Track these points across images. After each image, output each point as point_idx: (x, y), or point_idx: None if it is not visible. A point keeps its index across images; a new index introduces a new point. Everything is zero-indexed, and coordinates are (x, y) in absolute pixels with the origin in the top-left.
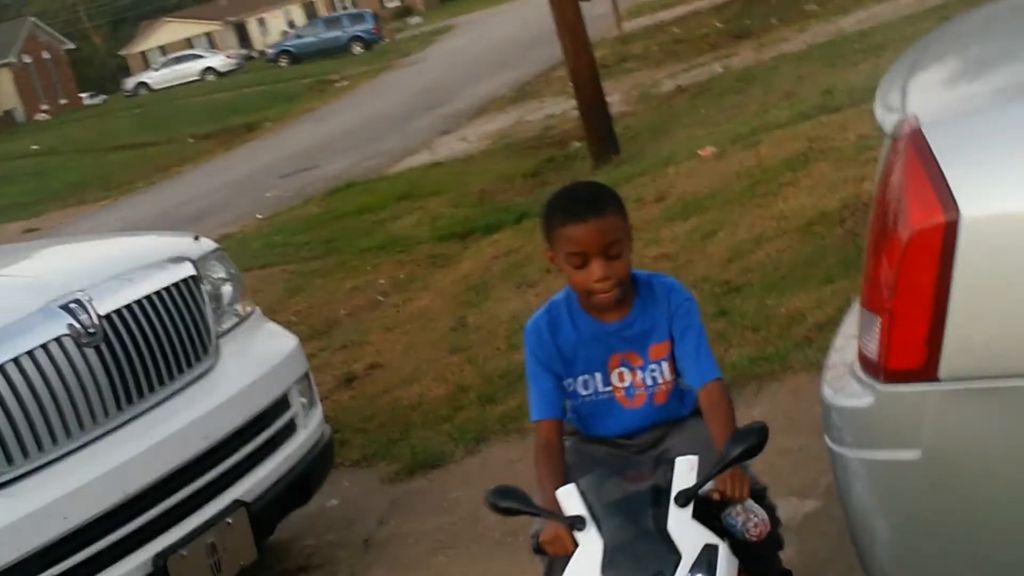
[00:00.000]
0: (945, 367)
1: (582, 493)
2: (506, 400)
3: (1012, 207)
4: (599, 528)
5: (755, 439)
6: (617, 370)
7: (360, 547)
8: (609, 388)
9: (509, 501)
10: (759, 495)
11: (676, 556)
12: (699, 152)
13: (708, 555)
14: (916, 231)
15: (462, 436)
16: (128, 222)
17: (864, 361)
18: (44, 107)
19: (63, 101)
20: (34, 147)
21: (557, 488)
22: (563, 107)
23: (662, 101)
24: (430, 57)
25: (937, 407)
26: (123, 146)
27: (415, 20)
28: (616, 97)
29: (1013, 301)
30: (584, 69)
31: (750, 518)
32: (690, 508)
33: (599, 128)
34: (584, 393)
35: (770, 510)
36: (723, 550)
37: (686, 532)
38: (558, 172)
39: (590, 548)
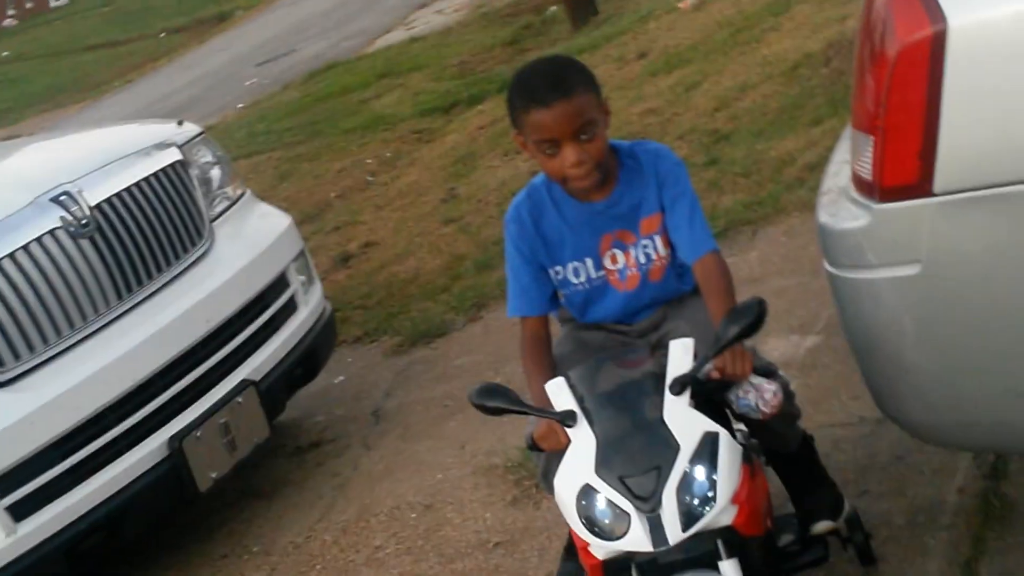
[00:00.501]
0: (940, 180)
1: (572, 386)
2: (502, 266)
3: (998, 12)
4: (591, 422)
5: (752, 316)
6: (609, 252)
7: (370, 419)
8: (602, 273)
9: (495, 400)
10: (768, 373)
11: (673, 448)
12: (679, 5)
13: (708, 444)
14: (904, 45)
15: (461, 304)
16: (109, 121)
17: (859, 182)
18: (11, 12)
19: (29, 5)
20: (5, 54)
21: (545, 373)
22: None
23: None
24: None
25: (934, 221)
26: (95, 46)
27: None
28: None
29: (1004, 108)
30: None
31: (762, 394)
32: (687, 395)
33: None
34: (576, 281)
35: (783, 387)
36: (724, 437)
37: (683, 421)
38: (536, 38)
39: (582, 444)
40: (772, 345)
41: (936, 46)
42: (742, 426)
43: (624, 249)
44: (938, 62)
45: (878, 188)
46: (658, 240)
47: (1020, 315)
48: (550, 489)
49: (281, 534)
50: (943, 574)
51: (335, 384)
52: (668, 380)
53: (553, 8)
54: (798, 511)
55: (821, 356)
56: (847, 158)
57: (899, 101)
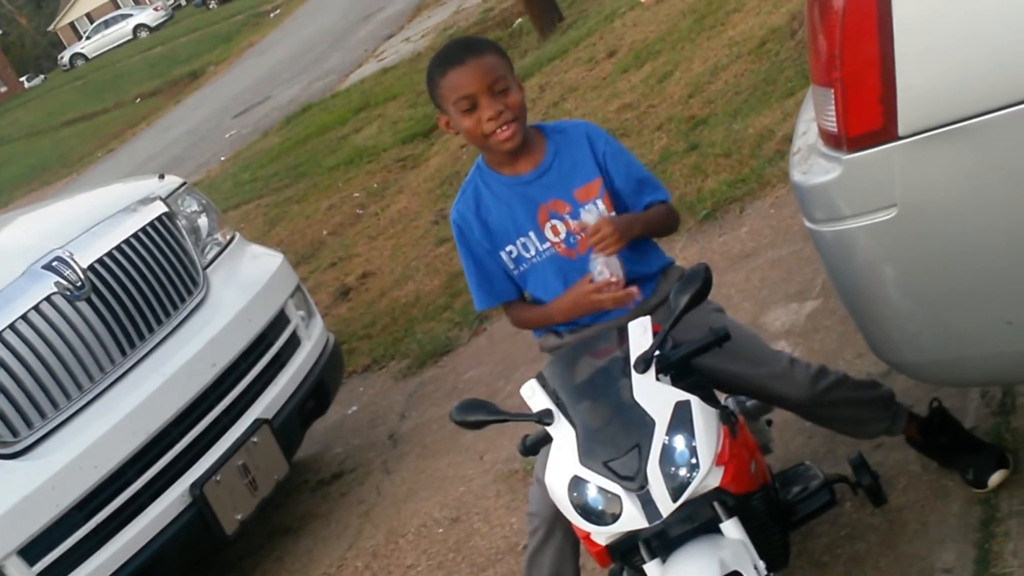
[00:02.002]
0: (904, 123)
1: (543, 385)
2: None
3: None
4: (567, 416)
5: (700, 282)
6: (549, 224)
7: (387, 443)
8: (547, 245)
9: (475, 414)
10: (722, 337)
11: (649, 424)
12: (640, 0)
13: (681, 413)
14: None
15: (464, 320)
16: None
17: (826, 136)
18: None
19: (3, 89)
20: None
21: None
22: None
23: None
24: None
25: (904, 163)
26: (73, 120)
27: None
28: None
29: (955, 43)
30: None
31: (603, 271)
32: (652, 371)
33: None
34: (529, 255)
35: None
36: (695, 403)
37: (653, 396)
38: (507, 51)
39: (563, 438)
40: (773, 315)
41: None
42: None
43: (562, 219)
44: (885, 8)
45: (845, 139)
46: (600, 203)
47: (997, 244)
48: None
49: (313, 567)
50: (963, 514)
51: (349, 414)
52: (632, 360)
53: (519, 20)
54: (964, 476)
55: (822, 319)
56: (813, 116)
57: (852, 51)
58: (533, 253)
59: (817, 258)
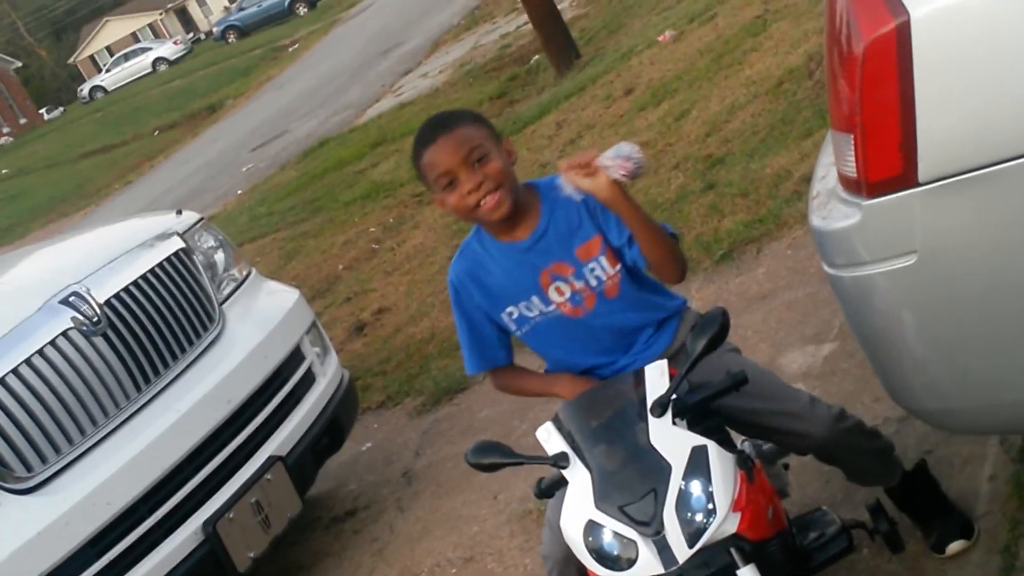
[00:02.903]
0: (924, 169)
1: (559, 428)
2: None
3: None
4: (583, 460)
5: (717, 327)
6: (552, 286)
7: (401, 481)
8: (552, 307)
9: (490, 456)
10: (740, 381)
11: (665, 468)
12: (658, 39)
13: (698, 458)
14: (869, 42)
15: None
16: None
17: (845, 181)
18: (6, 130)
19: (23, 121)
20: (4, 171)
21: (532, 375)
22: (516, 24)
23: None
24: (376, 2)
25: (924, 209)
26: (92, 152)
27: None
28: (566, 3)
29: (975, 91)
30: None
31: (617, 158)
32: (669, 415)
33: (556, 36)
34: (532, 315)
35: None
36: (712, 448)
37: (670, 441)
38: (524, 88)
39: (579, 482)
40: (790, 357)
41: (901, 39)
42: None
43: (566, 281)
44: (905, 54)
45: (865, 184)
46: (603, 260)
47: (1017, 291)
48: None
49: None
50: (983, 563)
51: (363, 451)
52: (648, 404)
53: (536, 57)
54: (927, 538)
55: (839, 362)
56: (832, 161)
57: (872, 97)
58: (537, 314)
59: (834, 300)
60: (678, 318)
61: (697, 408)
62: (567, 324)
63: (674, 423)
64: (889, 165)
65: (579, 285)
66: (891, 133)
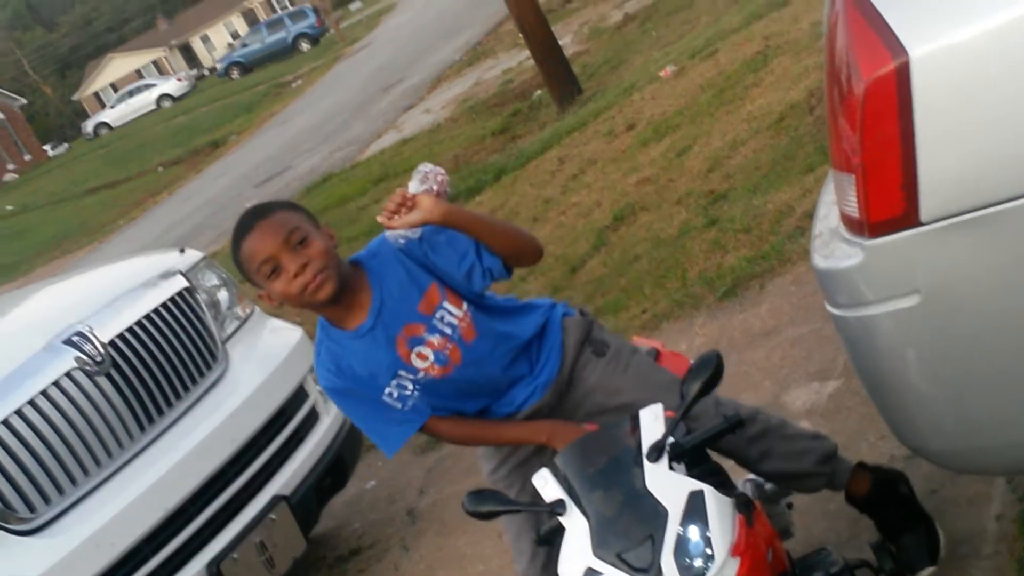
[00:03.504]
0: (926, 209)
1: (556, 475)
2: None
3: (958, 37)
4: (580, 506)
5: (711, 370)
6: (413, 353)
7: (406, 519)
8: (421, 373)
9: (487, 504)
10: (736, 424)
11: (662, 514)
12: (660, 74)
13: (695, 503)
14: (870, 81)
15: None
16: (116, 260)
17: (847, 221)
18: (10, 167)
19: (28, 157)
20: (9, 208)
21: (497, 423)
22: (518, 59)
23: (613, 33)
24: (378, 38)
25: (927, 250)
26: (96, 188)
27: (356, 5)
28: (568, 38)
29: (977, 130)
30: (530, 16)
31: (427, 179)
32: (664, 460)
33: (557, 72)
34: (409, 391)
35: (743, 426)
36: (709, 493)
37: (666, 486)
38: (526, 123)
39: (576, 530)
40: (794, 395)
41: (901, 79)
42: (754, 476)
43: (423, 341)
44: (905, 94)
45: (866, 224)
46: (448, 304)
47: (1022, 331)
48: None
49: None
50: None
51: (367, 489)
52: (644, 448)
53: (538, 92)
54: (897, 554)
55: (844, 400)
56: (834, 200)
57: (873, 137)
58: (412, 388)
59: (839, 337)
60: (554, 330)
61: (694, 451)
62: (442, 383)
63: (671, 467)
64: (891, 205)
65: (436, 340)
66: (892, 173)
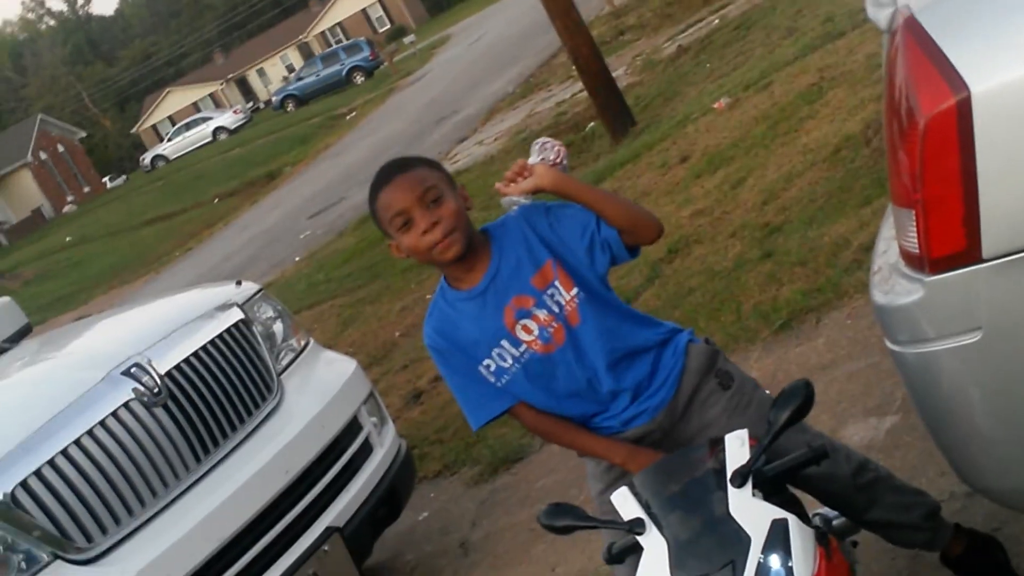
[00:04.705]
0: (988, 245)
1: (636, 494)
2: None
3: (1019, 72)
4: (659, 527)
5: (800, 398)
6: (519, 325)
7: (458, 551)
8: (523, 347)
9: (564, 519)
10: (820, 454)
11: (744, 540)
12: (713, 106)
13: (778, 532)
14: (930, 117)
15: None
16: (172, 290)
17: (907, 256)
18: (70, 198)
19: (87, 189)
20: (68, 239)
21: (582, 429)
22: (571, 91)
23: (667, 65)
24: (432, 71)
25: (989, 285)
26: (153, 220)
27: (409, 39)
28: (621, 70)
29: None
30: (583, 48)
31: (544, 149)
32: (749, 486)
33: (611, 103)
34: (507, 364)
35: (840, 455)
36: (793, 522)
37: (750, 512)
38: (579, 155)
39: (655, 550)
40: (852, 430)
41: (962, 114)
42: (823, 509)
43: (530, 315)
44: (967, 129)
45: (927, 260)
46: (559, 285)
47: None
48: None
49: None
50: None
51: (420, 521)
52: (728, 473)
53: (592, 124)
54: None
55: (902, 436)
56: (893, 235)
57: (934, 172)
58: (511, 362)
59: (896, 372)
60: (676, 352)
61: (776, 480)
62: (542, 364)
63: (752, 494)
64: (952, 241)
65: (543, 316)
66: (954, 209)
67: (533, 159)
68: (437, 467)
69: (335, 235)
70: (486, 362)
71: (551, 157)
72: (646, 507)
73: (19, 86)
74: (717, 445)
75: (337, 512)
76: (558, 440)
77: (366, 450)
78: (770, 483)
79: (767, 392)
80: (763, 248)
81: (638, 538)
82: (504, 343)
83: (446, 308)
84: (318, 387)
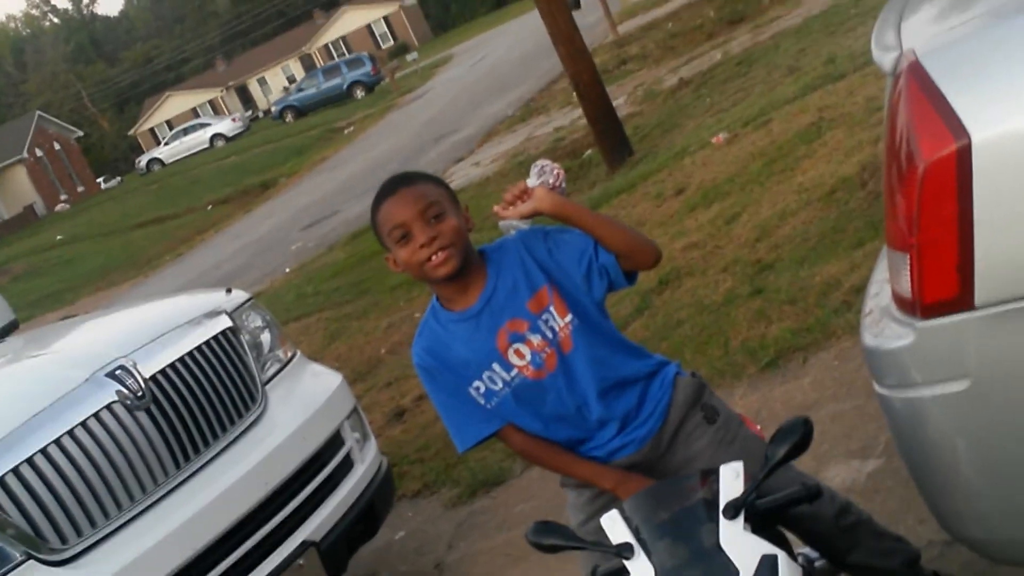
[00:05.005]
0: (981, 293)
1: (626, 518)
2: None
3: (1021, 123)
4: (648, 553)
5: (799, 435)
6: (511, 349)
7: (433, 573)
8: (514, 371)
9: (551, 537)
10: (814, 493)
11: (733, 573)
12: (712, 140)
13: (767, 567)
14: (930, 162)
15: None
16: (161, 295)
17: (899, 300)
18: (63, 197)
19: (80, 188)
20: (59, 237)
21: (572, 453)
22: (570, 117)
23: (667, 96)
24: (432, 90)
25: (979, 334)
26: (145, 223)
27: (412, 56)
28: (621, 99)
29: None
30: (585, 75)
31: (543, 172)
32: (741, 519)
33: (609, 132)
34: (497, 388)
35: (825, 498)
36: (782, 559)
37: (740, 546)
38: (575, 181)
39: None
40: (833, 471)
41: (962, 161)
42: (806, 549)
43: (523, 339)
44: (965, 176)
45: (919, 305)
46: (553, 310)
47: None
48: None
49: None
50: None
51: (397, 539)
52: (721, 505)
53: (589, 151)
54: None
55: (883, 480)
56: (886, 278)
57: (931, 218)
58: (501, 385)
59: (881, 416)
60: (663, 385)
61: (767, 515)
62: (533, 390)
63: (743, 528)
64: (945, 287)
65: (537, 341)
66: (948, 255)
67: (532, 181)
68: (416, 486)
69: (326, 248)
70: (476, 384)
71: (550, 180)
72: (635, 532)
73: (19, 82)
74: (710, 475)
75: (315, 527)
76: (546, 464)
77: (347, 465)
78: (761, 518)
79: (752, 431)
80: (754, 284)
81: (625, 563)
82: (495, 366)
83: (437, 328)
84: (302, 399)
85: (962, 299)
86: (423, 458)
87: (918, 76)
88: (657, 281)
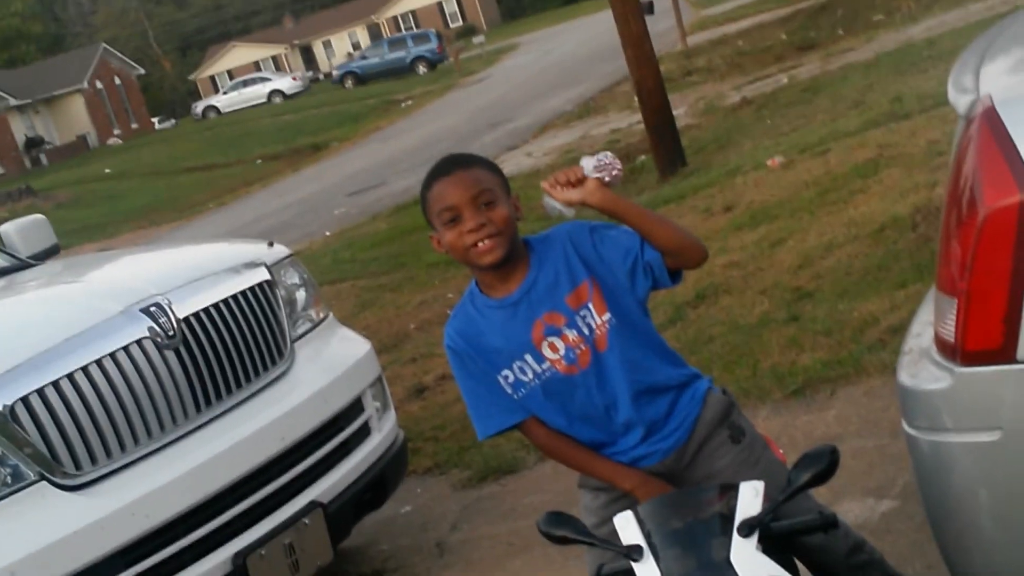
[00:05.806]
0: None
1: (640, 521)
2: None
3: None
4: (657, 559)
5: (825, 463)
6: (545, 342)
7: (434, 551)
8: (546, 364)
9: (563, 529)
10: (830, 523)
11: None
12: (767, 162)
13: None
14: (991, 211)
15: None
16: (201, 240)
17: (941, 344)
18: (116, 132)
19: (134, 126)
20: (107, 171)
21: (593, 451)
22: (628, 121)
23: (728, 113)
24: (495, 75)
25: (1017, 388)
26: (193, 168)
27: (478, 39)
28: (681, 110)
29: None
30: (649, 81)
31: (602, 165)
32: (755, 538)
33: (665, 140)
34: (526, 378)
35: (840, 531)
36: None
37: (750, 564)
38: (625, 185)
39: None
40: (847, 507)
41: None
42: None
43: (559, 333)
44: None
45: (960, 351)
46: (591, 307)
47: None
48: None
49: None
50: None
51: (402, 513)
52: (737, 522)
53: (642, 157)
54: None
55: (896, 522)
56: (931, 319)
57: (984, 266)
58: (531, 376)
59: (902, 457)
60: (694, 399)
61: (780, 539)
62: (563, 384)
63: (755, 547)
64: (989, 337)
65: (573, 336)
66: (997, 305)
67: (588, 169)
68: (428, 464)
69: (369, 217)
70: (505, 373)
71: (607, 178)
72: (647, 536)
73: (88, 12)
74: (729, 491)
75: (324, 488)
76: (567, 460)
77: (364, 432)
78: (774, 541)
79: (776, 455)
80: (790, 311)
81: (633, 564)
82: (528, 357)
83: (473, 313)
84: (329, 361)
85: (1004, 351)
86: (438, 437)
87: (991, 123)
88: (694, 295)
